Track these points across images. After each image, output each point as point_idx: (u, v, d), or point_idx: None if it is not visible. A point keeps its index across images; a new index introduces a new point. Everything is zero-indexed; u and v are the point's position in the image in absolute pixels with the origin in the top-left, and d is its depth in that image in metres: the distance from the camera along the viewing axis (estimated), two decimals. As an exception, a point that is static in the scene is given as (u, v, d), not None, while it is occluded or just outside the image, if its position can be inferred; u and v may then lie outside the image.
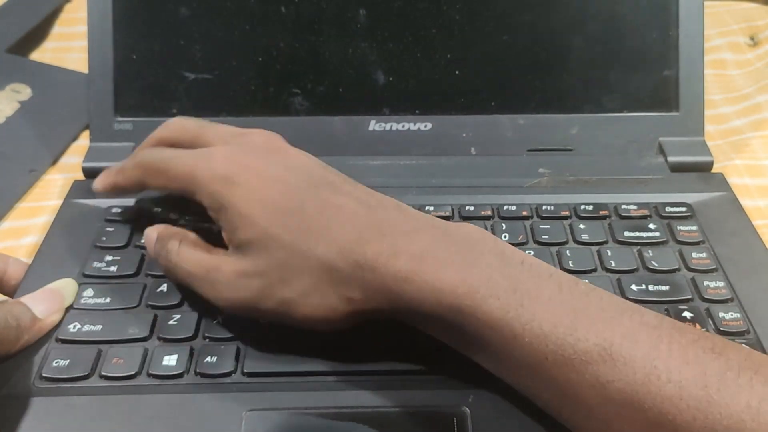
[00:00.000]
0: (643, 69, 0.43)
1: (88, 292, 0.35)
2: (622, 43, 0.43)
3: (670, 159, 0.42)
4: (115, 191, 0.36)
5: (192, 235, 0.33)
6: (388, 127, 0.44)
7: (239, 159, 0.31)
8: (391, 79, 0.43)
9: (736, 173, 0.45)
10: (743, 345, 0.25)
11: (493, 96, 0.44)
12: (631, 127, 0.43)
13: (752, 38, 0.56)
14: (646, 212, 0.39)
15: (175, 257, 0.32)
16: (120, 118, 0.43)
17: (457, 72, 0.43)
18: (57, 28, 0.59)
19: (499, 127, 0.43)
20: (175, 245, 0.32)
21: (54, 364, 0.31)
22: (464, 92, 0.44)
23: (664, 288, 0.35)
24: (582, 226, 0.38)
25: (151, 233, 0.34)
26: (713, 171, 0.43)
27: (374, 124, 0.44)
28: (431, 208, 0.39)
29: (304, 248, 0.29)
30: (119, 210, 0.39)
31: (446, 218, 0.39)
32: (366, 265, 0.28)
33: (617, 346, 0.24)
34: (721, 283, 0.35)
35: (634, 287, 0.35)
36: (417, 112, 0.44)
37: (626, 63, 0.43)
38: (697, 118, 0.43)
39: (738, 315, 0.33)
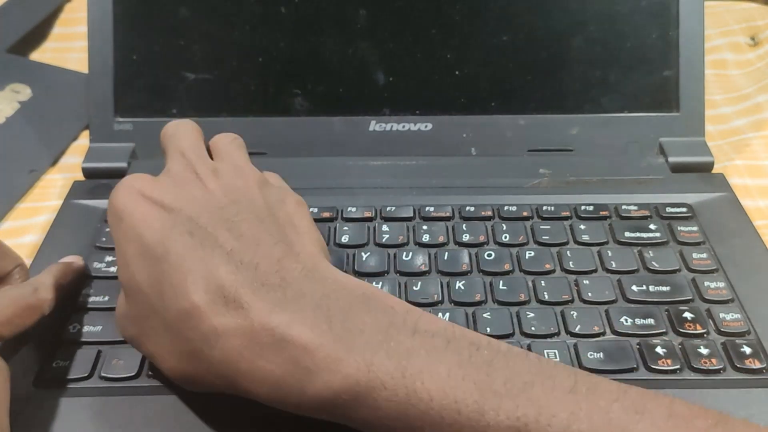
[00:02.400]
0: (644, 69, 0.43)
1: (86, 291, 0.35)
2: (622, 44, 0.43)
3: (671, 159, 0.42)
4: None
5: None
6: (388, 127, 0.44)
7: (138, 190, 0.28)
8: (391, 79, 0.43)
9: (737, 173, 0.45)
10: (665, 394, 0.23)
11: (493, 96, 0.44)
12: (631, 127, 0.43)
13: (753, 38, 0.56)
14: (646, 213, 0.39)
15: None
16: (120, 119, 0.43)
17: (457, 72, 0.43)
18: (57, 28, 0.59)
19: (499, 127, 0.43)
20: None
21: (54, 364, 0.31)
22: (464, 92, 0.43)
23: (664, 289, 0.35)
24: (582, 226, 0.38)
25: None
26: (714, 171, 0.43)
27: (374, 125, 0.44)
28: (431, 209, 0.39)
29: (158, 305, 0.26)
30: None
31: (447, 219, 0.39)
32: (207, 342, 0.25)
33: (533, 424, 0.22)
34: (721, 284, 0.35)
35: (634, 288, 0.35)
36: (417, 112, 0.44)
37: (626, 63, 0.43)
38: (697, 118, 0.43)
39: (738, 315, 0.33)
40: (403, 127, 0.44)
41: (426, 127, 0.44)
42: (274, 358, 0.24)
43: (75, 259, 0.35)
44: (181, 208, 0.28)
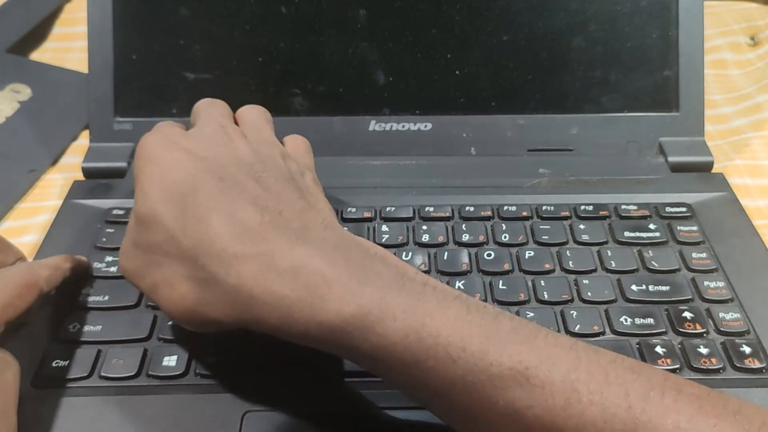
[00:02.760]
0: (643, 69, 0.43)
1: (86, 290, 0.35)
2: (622, 44, 0.43)
3: (671, 159, 0.42)
4: None
5: None
6: (388, 127, 0.44)
7: (170, 139, 0.30)
8: (391, 79, 0.43)
9: (737, 173, 0.45)
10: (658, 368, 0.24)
11: (493, 96, 0.44)
12: (631, 127, 0.43)
13: (752, 38, 0.56)
14: (646, 212, 0.39)
15: None
16: (120, 119, 0.43)
17: (457, 72, 0.43)
18: (57, 28, 0.59)
19: (499, 127, 0.43)
20: None
21: (54, 364, 0.31)
22: (464, 92, 0.43)
23: (664, 288, 0.35)
24: (582, 226, 0.38)
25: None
26: (713, 171, 0.43)
27: (374, 124, 0.44)
28: (431, 209, 0.39)
29: (177, 234, 0.27)
30: (121, 212, 0.39)
31: (446, 219, 0.39)
32: (224, 268, 0.26)
33: (534, 369, 0.22)
34: (721, 284, 0.35)
35: (634, 287, 0.35)
36: (417, 112, 0.44)
37: (626, 63, 0.43)
38: (697, 118, 0.43)
39: (738, 315, 0.33)
40: (403, 126, 0.44)
41: (426, 126, 0.44)
42: (290, 283, 0.25)
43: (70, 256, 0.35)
44: (213, 157, 0.29)
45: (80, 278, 0.35)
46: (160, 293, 0.28)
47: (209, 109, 0.34)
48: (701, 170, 0.42)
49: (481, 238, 0.38)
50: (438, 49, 0.43)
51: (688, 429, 0.21)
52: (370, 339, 0.24)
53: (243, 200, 0.27)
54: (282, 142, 0.35)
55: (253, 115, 0.35)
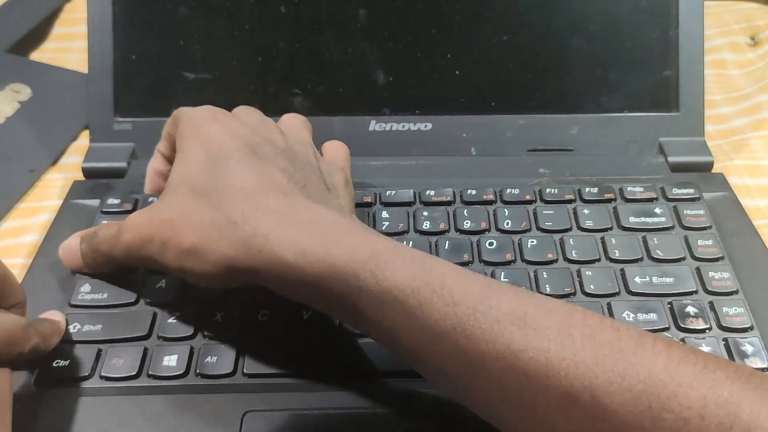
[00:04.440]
0: (643, 69, 0.43)
1: (86, 288, 0.35)
2: (622, 44, 0.43)
3: (671, 159, 0.42)
4: (155, 185, 0.37)
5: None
6: (388, 127, 0.44)
7: (215, 115, 0.32)
8: (391, 79, 0.43)
9: (737, 173, 0.45)
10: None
11: (493, 96, 0.44)
12: (631, 127, 0.43)
13: (752, 38, 0.56)
14: (652, 194, 0.39)
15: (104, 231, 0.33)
16: (120, 119, 0.43)
17: (457, 72, 0.43)
18: (57, 28, 0.59)
19: (499, 127, 0.43)
20: (103, 226, 0.34)
21: (54, 364, 0.31)
22: (464, 92, 0.43)
23: (668, 280, 0.35)
24: (586, 211, 0.38)
25: (70, 244, 0.35)
26: (713, 171, 0.43)
27: (374, 125, 0.44)
28: (432, 192, 0.40)
29: (202, 184, 0.29)
30: (116, 201, 0.40)
31: (448, 203, 0.39)
32: (245, 215, 0.28)
33: (531, 315, 0.24)
34: (726, 274, 0.35)
35: (638, 279, 0.35)
36: (417, 112, 0.44)
37: (626, 63, 0.43)
38: (697, 118, 0.43)
39: (742, 310, 0.33)
40: (403, 126, 0.44)
41: (426, 126, 0.44)
42: (307, 228, 0.27)
43: (60, 318, 0.33)
44: (251, 135, 0.31)
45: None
46: (170, 246, 0.29)
47: (248, 109, 0.35)
48: (701, 170, 0.42)
49: (483, 225, 0.38)
50: (438, 49, 0.43)
51: (677, 369, 0.22)
52: (380, 280, 0.25)
53: (273, 167, 0.30)
54: (321, 149, 0.37)
55: (294, 121, 0.37)
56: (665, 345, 0.23)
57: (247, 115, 0.34)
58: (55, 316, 0.32)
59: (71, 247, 0.35)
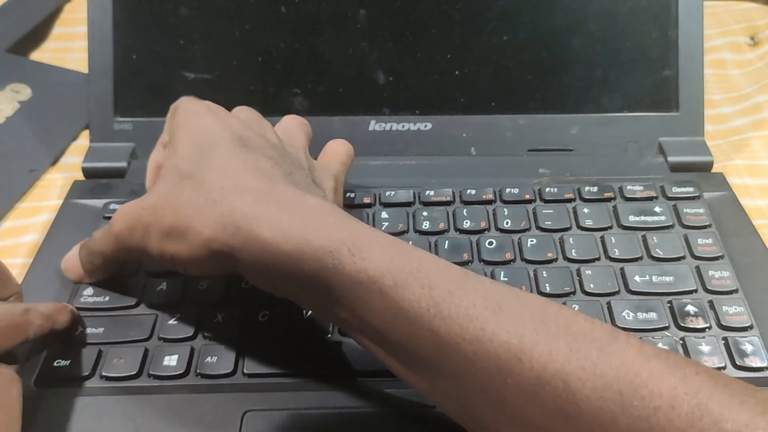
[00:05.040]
0: (643, 69, 0.43)
1: (88, 291, 0.35)
2: (622, 44, 0.43)
3: (670, 159, 0.42)
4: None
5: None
6: (388, 127, 0.44)
7: (209, 108, 0.33)
8: (391, 79, 0.43)
9: (736, 173, 0.45)
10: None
11: (493, 96, 0.44)
12: (631, 127, 0.43)
13: (752, 38, 0.56)
14: (652, 193, 0.39)
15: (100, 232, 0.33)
16: (120, 118, 0.43)
17: (457, 72, 0.43)
18: (57, 28, 0.59)
19: (499, 127, 0.43)
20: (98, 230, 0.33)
21: (55, 364, 0.31)
22: (464, 92, 0.44)
23: (668, 279, 0.35)
24: (586, 210, 0.38)
25: (71, 255, 0.35)
26: (713, 171, 0.43)
27: (374, 124, 0.44)
28: (431, 192, 0.40)
29: (188, 166, 0.29)
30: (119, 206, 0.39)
31: (447, 203, 0.39)
32: (229, 194, 0.28)
33: (507, 302, 0.24)
34: (726, 273, 0.35)
35: (637, 278, 0.35)
36: (417, 112, 0.44)
37: (626, 63, 0.43)
38: (697, 118, 0.43)
39: (742, 309, 0.33)
40: (403, 126, 0.44)
41: (426, 126, 0.44)
42: (287, 210, 0.27)
43: (71, 307, 0.33)
44: (242, 130, 0.32)
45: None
46: (152, 231, 0.29)
47: (246, 109, 0.36)
48: (701, 170, 0.42)
49: (483, 225, 0.38)
50: (438, 49, 0.43)
51: (648, 362, 0.22)
52: (356, 260, 0.25)
53: (259, 155, 0.30)
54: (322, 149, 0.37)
55: (292, 123, 0.37)
56: (637, 341, 0.23)
57: (244, 113, 0.35)
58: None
59: (72, 257, 0.35)
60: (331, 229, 0.26)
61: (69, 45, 0.57)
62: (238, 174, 0.28)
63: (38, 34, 0.58)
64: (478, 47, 0.43)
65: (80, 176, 0.43)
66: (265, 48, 0.43)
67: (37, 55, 0.56)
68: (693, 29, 0.43)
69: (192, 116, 0.32)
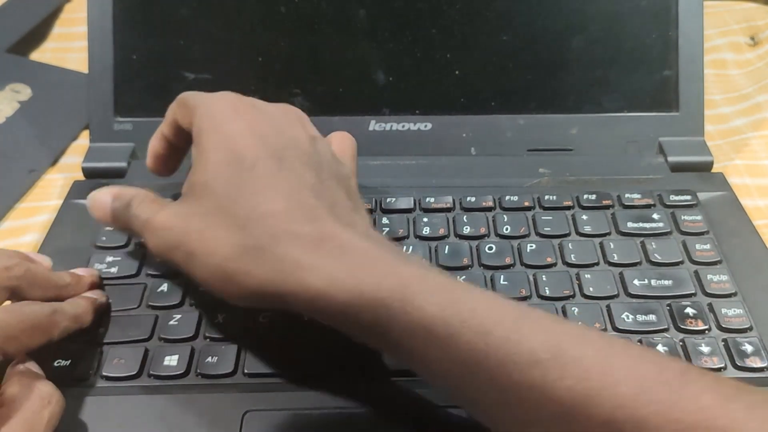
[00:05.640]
0: (643, 69, 0.43)
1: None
2: (622, 44, 0.43)
3: (670, 159, 0.42)
4: (157, 166, 0.36)
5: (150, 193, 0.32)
6: (388, 127, 0.44)
7: (238, 108, 0.31)
8: (391, 79, 0.43)
9: (736, 173, 0.45)
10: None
11: (493, 96, 0.44)
12: (631, 127, 0.43)
13: (752, 38, 0.56)
14: (650, 201, 0.39)
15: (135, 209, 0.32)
16: (120, 118, 0.43)
17: (457, 72, 0.43)
18: (57, 28, 0.59)
19: (499, 127, 0.43)
20: (137, 200, 0.32)
21: (55, 364, 0.31)
22: (464, 92, 0.44)
23: (666, 282, 0.35)
24: (585, 216, 0.38)
25: (104, 194, 0.33)
26: (713, 171, 0.43)
27: (374, 124, 0.44)
28: (432, 200, 0.40)
29: (228, 205, 0.28)
30: None
31: (448, 210, 0.39)
32: (275, 240, 0.27)
33: (566, 344, 0.23)
34: (724, 277, 0.35)
35: (636, 282, 0.35)
36: (417, 112, 0.44)
37: (626, 63, 0.43)
38: (697, 118, 0.43)
39: (741, 311, 0.33)
40: (403, 126, 0.44)
41: (426, 126, 0.44)
42: (338, 257, 0.26)
43: (99, 296, 0.34)
44: (275, 135, 0.30)
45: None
46: (197, 260, 0.28)
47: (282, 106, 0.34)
48: (701, 170, 0.42)
49: (483, 230, 0.38)
50: (438, 49, 0.43)
51: (727, 406, 0.21)
52: (408, 311, 0.25)
53: (300, 185, 0.28)
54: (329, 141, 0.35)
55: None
56: (712, 379, 0.22)
57: (271, 107, 0.33)
58: (93, 294, 0.33)
59: (102, 203, 0.33)
60: (381, 278, 0.25)
61: (69, 45, 0.57)
62: (285, 217, 0.27)
63: (38, 34, 0.58)
64: (478, 47, 0.43)
65: (80, 176, 0.43)
66: (265, 48, 0.43)
67: (37, 55, 0.56)
68: (693, 29, 0.43)
69: (219, 120, 0.30)
